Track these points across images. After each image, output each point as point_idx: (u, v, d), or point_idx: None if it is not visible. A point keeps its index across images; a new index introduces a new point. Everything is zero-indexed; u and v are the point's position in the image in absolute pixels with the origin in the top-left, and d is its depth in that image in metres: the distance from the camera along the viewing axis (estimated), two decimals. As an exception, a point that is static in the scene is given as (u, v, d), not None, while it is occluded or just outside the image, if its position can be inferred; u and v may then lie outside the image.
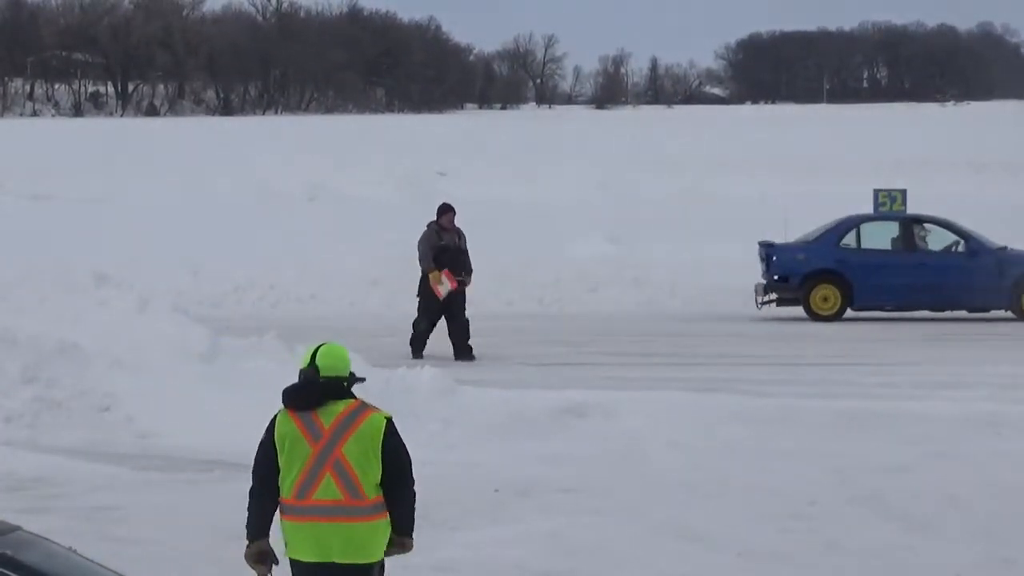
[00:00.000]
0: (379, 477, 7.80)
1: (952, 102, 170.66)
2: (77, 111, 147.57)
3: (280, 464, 7.86)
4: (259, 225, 36.17)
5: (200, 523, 12.06)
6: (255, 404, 15.23)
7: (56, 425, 15.02)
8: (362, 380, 8.08)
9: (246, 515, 8.09)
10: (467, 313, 20.82)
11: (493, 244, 30.01)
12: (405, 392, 15.85)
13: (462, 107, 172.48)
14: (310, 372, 7.87)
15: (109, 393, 15.40)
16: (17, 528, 6.91)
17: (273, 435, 7.88)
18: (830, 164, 57.68)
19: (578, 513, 12.47)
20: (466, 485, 13.35)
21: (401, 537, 7.93)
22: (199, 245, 29.93)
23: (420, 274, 20.99)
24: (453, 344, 20.69)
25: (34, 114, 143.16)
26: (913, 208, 28.13)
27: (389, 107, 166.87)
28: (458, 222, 21.44)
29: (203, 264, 27.25)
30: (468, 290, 21.08)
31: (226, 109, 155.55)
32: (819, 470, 14.03)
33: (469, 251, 21.28)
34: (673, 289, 27.33)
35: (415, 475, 7.96)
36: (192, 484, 13.46)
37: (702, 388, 18.21)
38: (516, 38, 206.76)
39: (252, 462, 8.06)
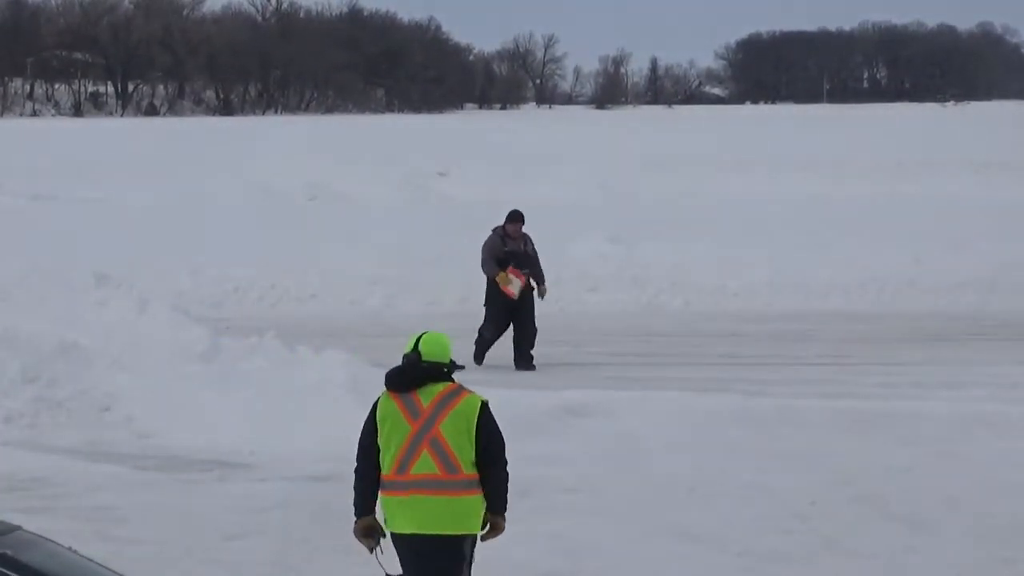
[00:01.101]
0: (473, 455, 8.32)
1: (952, 102, 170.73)
2: (77, 111, 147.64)
3: (380, 443, 8.38)
4: (259, 225, 36.16)
5: (200, 523, 12.06)
6: (255, 404, 15.29)
7: (56, 425, 15.03)
8: (461, 368, 8.80)
9: (353, 494, 8.53)
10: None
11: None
12: (405, 392, 15.85)
13: (462, 107, 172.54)
14: (413, 356, 8.42)
15: (109, 393, 15.41)
16: (17, 528, 6.92)
17: (375, 416, 8.43)
18: (830, 164, 57.67)
19: (578, 513, 12.47)
20: (466, 485, 13.33)
21: (494, 516, 8.48)
22: (199, 245, 29.93)
23: (486, 281, 20.24)
24: (516, 351, 19.99)
25: (34, 114, 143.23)
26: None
27: (389, 107, 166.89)
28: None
29: (203, 264, 27.24)
30: (539, 299, 20.26)
31: (226, 109, 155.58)
32: (819, 470, 14.03)
33: (539, 258, 20.46)
34: (673, 289, 27.31)
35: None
36: (192, 484, 13.46)
37: (702, 388, 18.22)
38: (516, 38, 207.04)
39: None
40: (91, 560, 7.06)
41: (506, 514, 8.52)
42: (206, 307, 24.06)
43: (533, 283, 20.25)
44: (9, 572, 6.43)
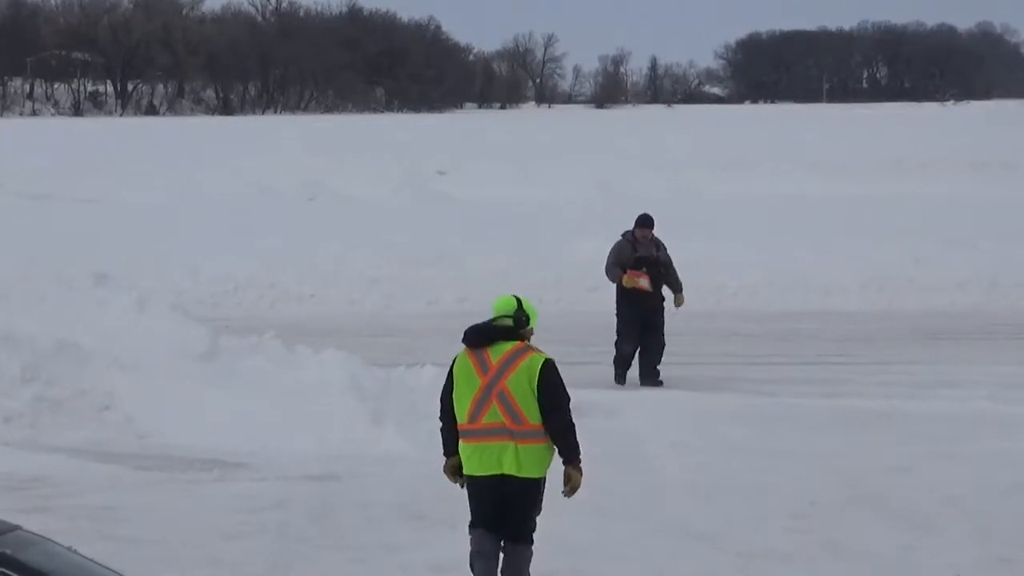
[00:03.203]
0: (537, 408, 9.27)
1: (952, 102, 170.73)
2: (77, 111, 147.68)
3: (454, 395, 9.52)
4: (259, 225, 36.15)
5: (200, 523, 12.06)
6: (255, 404, 15.28)
7: (56, 425, 15.02)
8: (527, 327, 9.57)
9: (440, 438, 9.88)
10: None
11: (493, 244, 30.05)
12: (405, 392, 15.85)
13: (462, 107, 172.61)
14: (490, 320, 9.55)
15: (109, 393, 15.40)
16: (17, 528, 6.91)
17: (452, 370, 9.56)
18: (830, 164, 57.65)
19: (579, 513, 12.46)
20: (466, 485, 13.33)
21: (568, 467, 9.47)
22: (199, 245, 29.91)
23: (615, 290, 19.03)
24: (640, 364, 18.86)
25: (34, 114, 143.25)
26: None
27: (389, 107, 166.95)
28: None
29: (203, 264, 27.23)
30: (668, 307, 19.02)
31: (226, 109, 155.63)
32: (819, 470, 14.03)
33: (674, 263, 19.22)
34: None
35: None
36: (192, 484, 13.46)
37: (702, 388, 18.23)
38: (516, 38, 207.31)
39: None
40: (91, 560, 7.05)
41: (580, 465, 9.44)
42: (206, 307, 24.06)
43: (678, 297, 19.16)
44: (9, 572, 6.43)
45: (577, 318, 25.04)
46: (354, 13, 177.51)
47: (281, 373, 15.88)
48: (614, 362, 18.96)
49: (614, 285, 19.01)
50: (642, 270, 18.77)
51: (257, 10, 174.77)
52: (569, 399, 9.39)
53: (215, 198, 46.34)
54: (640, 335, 18.76)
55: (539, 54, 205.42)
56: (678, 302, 19.14)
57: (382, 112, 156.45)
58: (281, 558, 11.20)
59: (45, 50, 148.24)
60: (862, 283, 27.32)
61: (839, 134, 79.57)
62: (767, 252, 28.88)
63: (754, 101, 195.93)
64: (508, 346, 9.43)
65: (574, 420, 9.46)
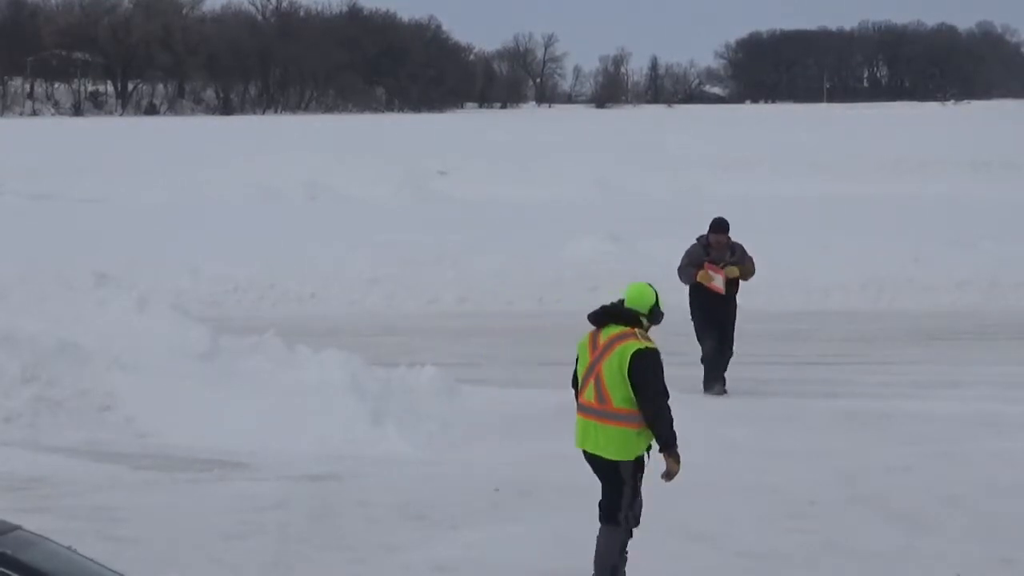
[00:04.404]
0: (626, 393, 9.58)
1: (952, 101, 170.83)
2: (77, 110, 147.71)
3: (576, 369, 9.98)
4: (259, 225, 36.15)
5: (200, 523, 12.06)
6: (255, 403, 15.28)
7: (56, 425, 15.01)
8: (656, 320, 9.84)
9: None
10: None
11: (493, 244, 30.04)
12: (405, 392, 15.85)
13: (462, 106, 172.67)
14: (619, 301, 9.92)
15: (109, 393, 15.39)
16: (17, 528, 6.91)
17: (578, 345, 10.00)
18: (830, 163, 57.66)
19: (578, 513, 12.46)
20: (466, 485, 13.35)
21: (661, 453, 9.71)
22: (198, 245, 29.91)
23: (688, 292, 18.48)
24: (705, 370, 18.34)
25: (34, 113, 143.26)
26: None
27: (389, 107, 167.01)
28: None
29: (203, 264, 27.22)
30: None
31: (226, 108, 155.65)
32: (819, 470, 14.03)
33: (753, 261, 18.47)
34: (673, 288, 27.24)
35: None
36: (192, 484, 13.46)
37: (702, 388, 18.22)
38: (516, 37, 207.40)
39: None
40: (91, 560, 7.05)
41: (677, 453, 9.73)
42: (206, 307, 24.05)
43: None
44: (9, 572, 6.43)
45: (577, 318, 25.03)
46: (354, 13, 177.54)
47: (281, 373, 15.88)
48: (705, 372, 18.25)
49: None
50: (721, 266, 18.22)
51: (257, 10, 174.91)
52: (661, 389, 9.59)
53: (215, 198, 46.34)
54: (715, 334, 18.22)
55: (539, 54, 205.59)
56: (730, 272, 18.26)
57: (382, 112, 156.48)
58: (281, 558, 11.19)
59: (45, 50, 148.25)
60: (862, 283, 27.30)
61: (839, 134, 79.60)
62: (767, 252, 28.83)
63: (754, 101, 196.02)
64: (616, 330, 9.75)
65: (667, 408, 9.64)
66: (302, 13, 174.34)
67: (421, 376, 16.28)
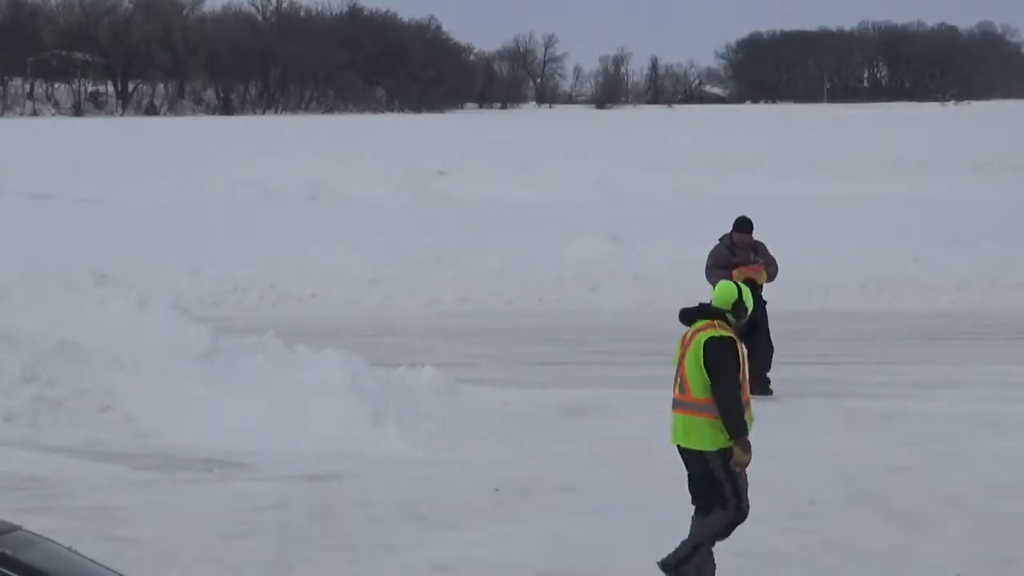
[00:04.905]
0: (703, 381, 9.90)
1: (952, 101, 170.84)
2: (77, 111, 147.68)
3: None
4: (259, 225, 36.15)
5: (200, 523, 12.06)
6: (255, 403, 15.28)
7: (56, 425, 15.01)
8: (740, 315, 10.15)
9: None
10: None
11: (493, 244, 30.03)
12: (405, 392, 15.85)
13: (462, 107, 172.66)
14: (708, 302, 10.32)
15: (109, 392, 15.39)
16: (17, 528, 6.91)
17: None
18: (830, 164, 57.65)
19: (578, 513, 12.47)
20: (466, 485, 13.35)
21: (731, 440, 9.90)
22: (199, 245, 29.91)
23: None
24: (751, 374, 18.32)
25: (34, 114, 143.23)
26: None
27: (389, 107, 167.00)
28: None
29: (203, 264, 27.22)
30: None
31: (226, 109, 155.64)
32: (819, 470, 14.03)
33: (776, 261, 18.08)
34: (673, 288, 27.26)
35: None
36: (192, 484, 13.46)
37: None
38: (516, 38, 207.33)
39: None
40: (91, 560, 7.05)
41: (746, 439, 9.87)
42: (206, 307, 24.05)
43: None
44: (9, 572, 6.43)
45: (577, 318, 25.04)
46: (354, 13, 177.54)
47: (281, 373, 15.88)
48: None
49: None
50: (757, 261, 17.73)
51: (257, 10, 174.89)
52: (727, 378, 9.87)
53: (215, 198, 46.33)
54: (745, 338, 17.98)
55: (539, 54, 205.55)
56: (760, 278, 17.79)
57: (382, 112, 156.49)
58: (281, 558, 11.19)
59: (45, 50, 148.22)
60: (862, 283, 27.29)
61: (839, 134, 79.59)
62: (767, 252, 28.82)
63: (755, 101, 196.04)
64: (700, 324, 10.11)
65: (732, 397, 9.86)
66: (302, 13, 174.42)
67: (421, 376, 16.28)
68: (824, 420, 16.42)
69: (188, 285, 25.99)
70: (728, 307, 10.15)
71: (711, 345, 9.93)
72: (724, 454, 9.94)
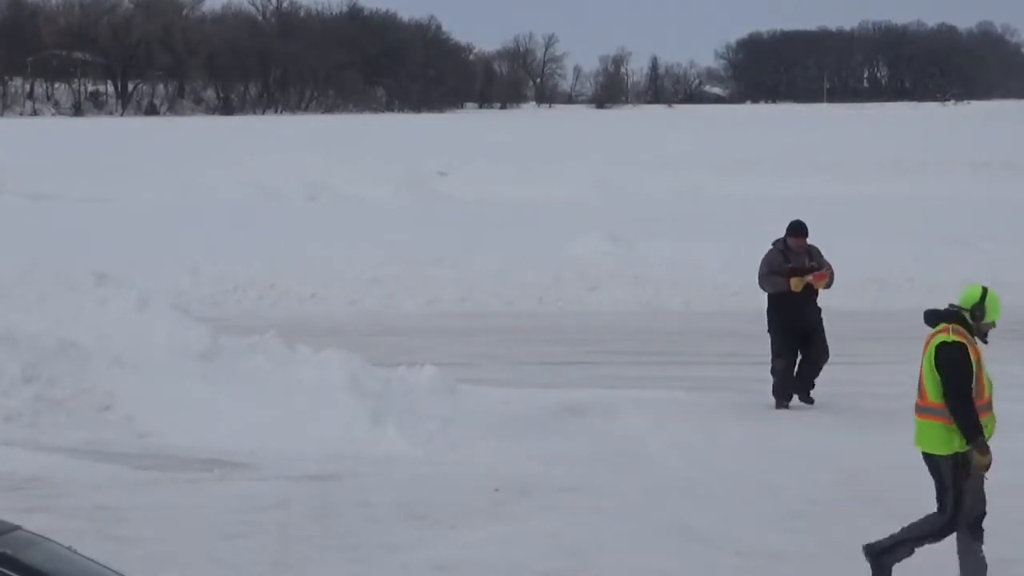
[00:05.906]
0: (935, 385, 9.97)
1: (952, 101, 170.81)
2: (77, 110, 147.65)
3: None
4: (259, 225, 36.15)
5: (200, 523, 12.06)
6: (255, 403, 15.28)
7: (56, 425, 15.01)
8: (982, 320, 10.15)
9: None
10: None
11: (493, 244, 30.04)
12: (405, 392, 15.85)
13: (462, 107, 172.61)
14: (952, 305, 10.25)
15: (109, 392, 15.39)
16: (17, 528, 6.91)
17: None
18: (830, 163, 57.65)
19: (578, 513, 12.47)
20: (466, 485, 13.35)
21: (968, 445, 10.09)
22: (199, 245, 29.91)
23: (766, 301, 17.44)
24: (800, 375, 17.26)
25: (34, 113, 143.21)
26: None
27: (389, 107, 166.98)
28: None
29: (203, 264, 27.23)
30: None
31: (226, 108, 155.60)
32: (819, 470, 14.03)
33: (832, 268, 17.63)
34: (673, 288, 27.30)
35: None
36: (192, 484, 13.45)
37: (702, 388, 18.21)
38: (516, 38, 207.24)
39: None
40: (91, 560, 7.05)
41: (983, 441, 10.16)
42: (206, 307, 24.07)
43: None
44: (9, 572, 6.43)
45: (577, 318, 25.04)
46: (354, 13, 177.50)
47: (281, 373, 15.88)
48: (773, 386, 17.17)
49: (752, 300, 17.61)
50: (811, 269, 17.33)
51: (257, 10, 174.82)
52: (958, 382, 9.92)
53: (215, 198, 46.34)
54: (800, 344, 17.31)
55: (539, 54, 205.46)
56: (821, 284, 17.40)
57: (382, 112, 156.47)
58: (281, 558, 11.19)
59: (45, 50, 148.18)
60: (862, 283, 27.30)
61: (839, 134, 79.58)
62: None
63: (755, 101, 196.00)
64: (938, 327, 10.10)
65: (958, 403, 9.95)
66: (302, 13, 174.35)
67: (421, 376, 16.28)
68: (825, 420, 16.42)
69: (188, 285, 26.00)
70: (968, 307, 10.13)
71: (942, 351, 10.00)
72: (956, 459, 10.11)
